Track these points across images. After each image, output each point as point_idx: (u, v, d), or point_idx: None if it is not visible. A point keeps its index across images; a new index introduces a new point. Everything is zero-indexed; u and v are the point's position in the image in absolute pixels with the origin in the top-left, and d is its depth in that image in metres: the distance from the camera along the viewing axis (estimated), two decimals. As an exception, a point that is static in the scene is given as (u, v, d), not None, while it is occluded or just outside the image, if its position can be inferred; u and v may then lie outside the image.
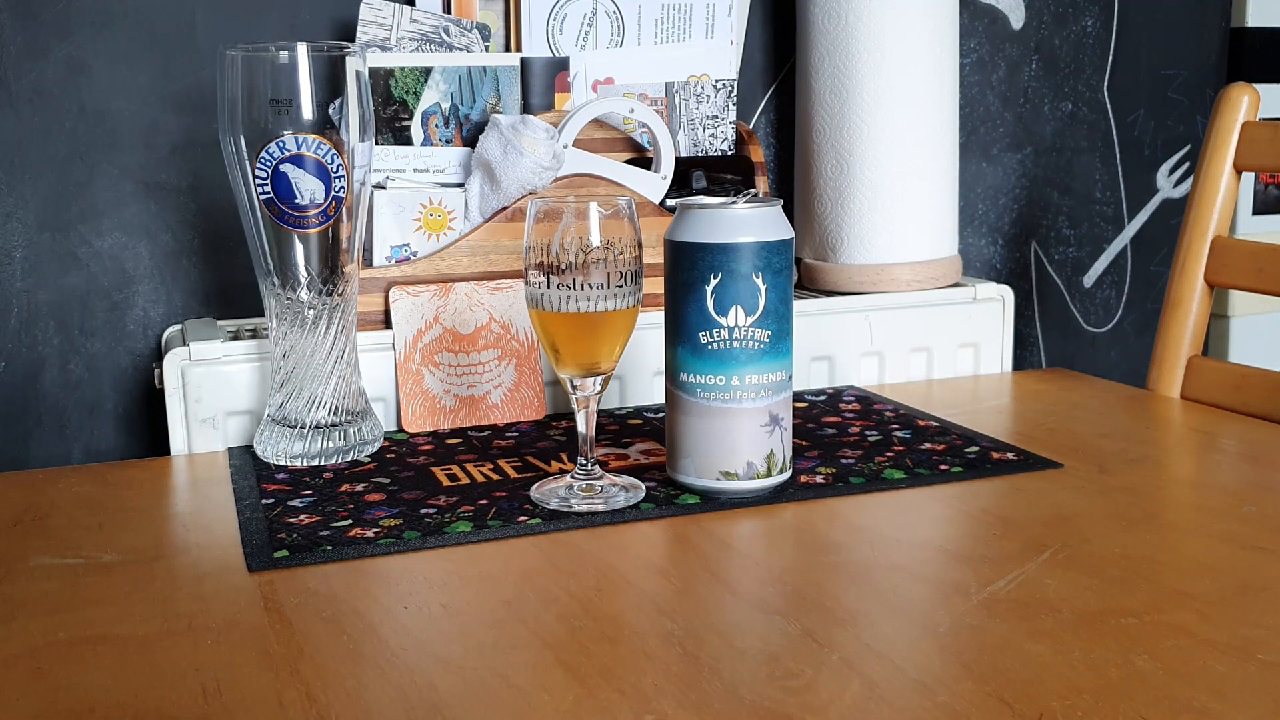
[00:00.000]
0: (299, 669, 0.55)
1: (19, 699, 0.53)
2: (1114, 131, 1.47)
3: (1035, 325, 1.46)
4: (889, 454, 0.86)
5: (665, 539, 0.72)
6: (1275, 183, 1.52)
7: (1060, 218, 1.45)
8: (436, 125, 1.01)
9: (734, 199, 0.76)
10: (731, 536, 0.72)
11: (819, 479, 0.81)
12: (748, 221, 0.75)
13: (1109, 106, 1.46)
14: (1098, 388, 1.08)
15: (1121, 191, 1.48)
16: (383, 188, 0.99)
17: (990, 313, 1.13)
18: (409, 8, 1.03)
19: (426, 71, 1.01)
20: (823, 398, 1.03)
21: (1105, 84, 1.45)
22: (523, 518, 0.74)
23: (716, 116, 1.10)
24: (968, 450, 0.87)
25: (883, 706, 0.51)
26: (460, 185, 1.01)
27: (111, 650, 0.57)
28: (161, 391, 0.91)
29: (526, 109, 1.04)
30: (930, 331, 1.11)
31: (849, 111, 1.12)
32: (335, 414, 0.87)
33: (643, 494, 0.78)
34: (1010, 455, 0.86)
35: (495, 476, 0.82)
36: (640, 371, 1.02)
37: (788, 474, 0.79)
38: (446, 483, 0.81)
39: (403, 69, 1.00)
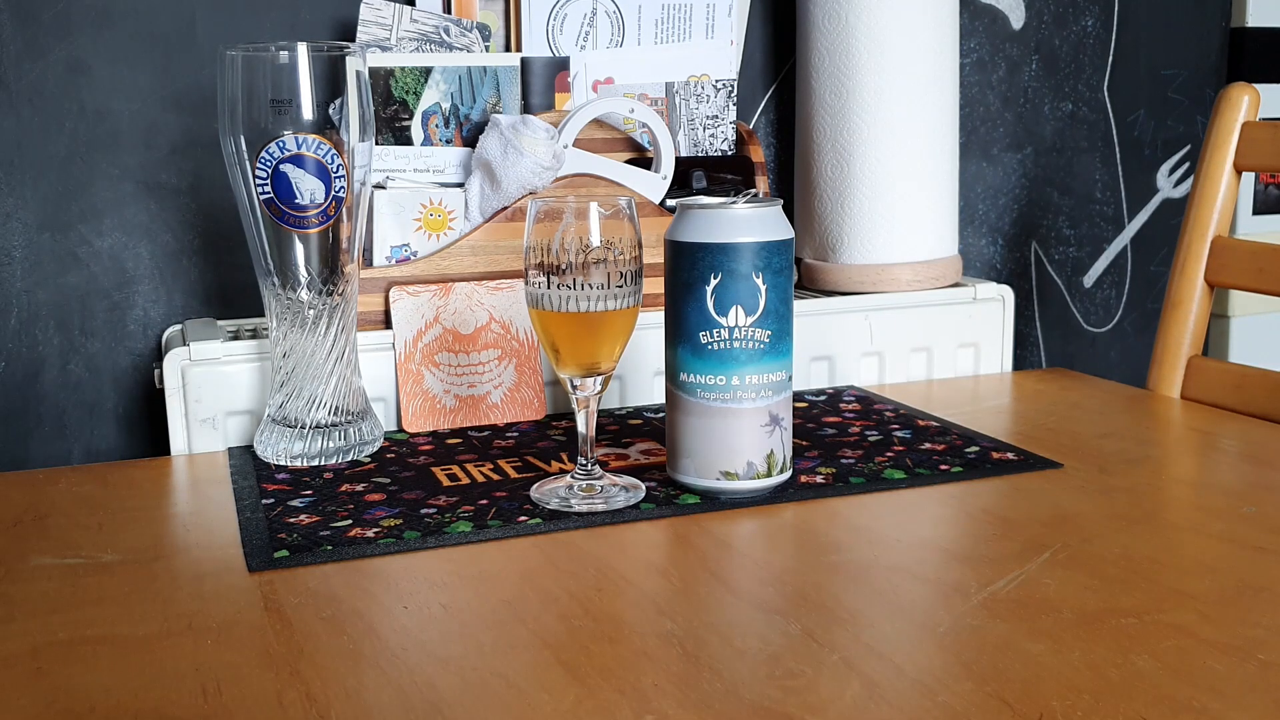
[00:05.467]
0: (299, 669, 0.55)
1: (19, 699, 0.53)
2: (1114, 131, 1.47)
3: (1035, 325, 1.46)
4: (889, 454, 0.86)
5: (665, 539, 0.72)
6: (1275, 183, 1.52)
7: (1060, 218, 1.45)
8: (436, 125, 1.01)
9: (734, 199, 0.76)
10: (731, 536, 0.72)
11: (819, 479, 0.81)
12: (748, 221, 0.75)
13: (1109, 106, 1.46)
14: (1098, 388, 1.08)
15: (1121, 191, 1.48)
16: (383, 188, 0.99)
17: (990, 313, 1.13)
18: (409, 8, 1.03)
19: (426, 71, 1.01)
20: (823, 398, 1.03)
21: (1105, 84, 1.45)
22: (523, 518, 0.74)
23: (716, 116, 1.10)
24: (968, 450, 0.87)
25: (883, 706, 0.51)
26: (460, 185, 1.01)
27: (111, 650, 0.57)
28: (161, 391, 0.91)
29: (526, 109, 1.04)
30: (930, 331, 1.11)
31: (849, 111, 1.12)
32: (335, 414, 0.87)
33: (643, 494, 0.78)
34: (1010, 455, 0.86)
35: (495, 476, 0.82)
36: (640, 371, 1.02)
37: (788, 474, 0.79)
38: (446, 483, 0.81)
39: (403, 69, 1.00)
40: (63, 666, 0.56)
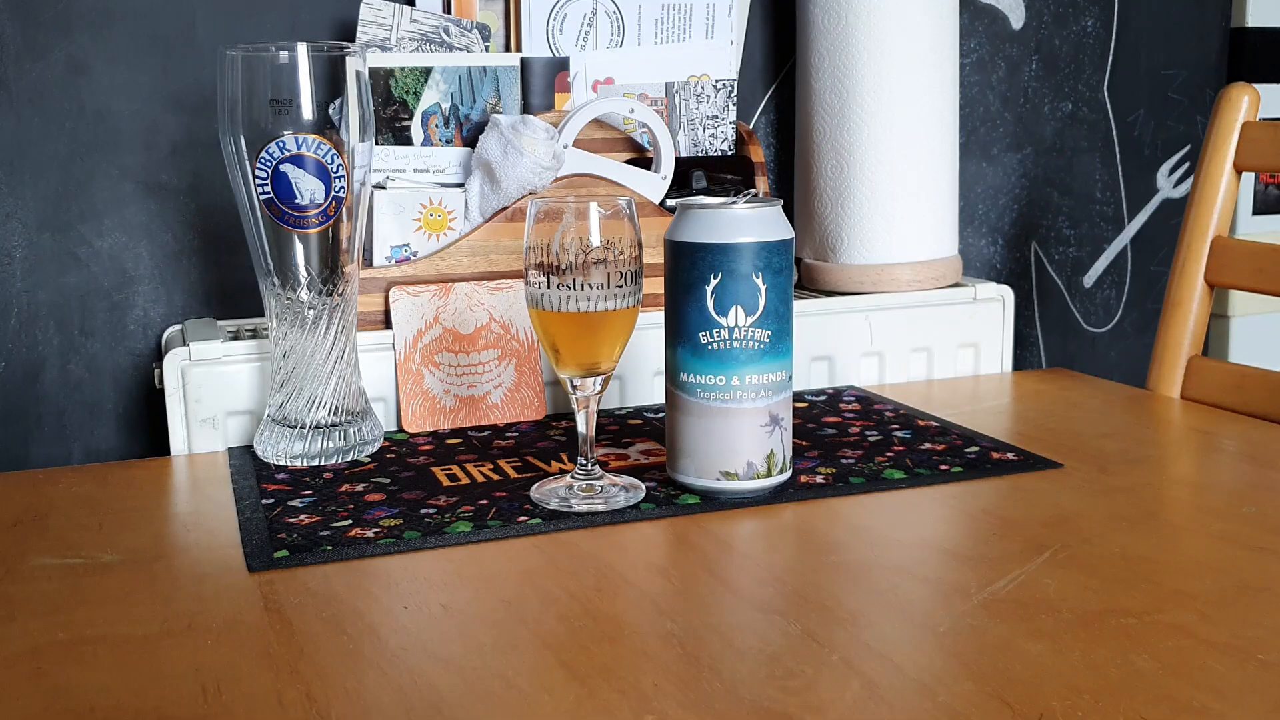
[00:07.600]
0: (299, 669, 0.55)
1: (19, 699, 0.53)
2: (1114, 131, 1.47)
3: (1035, 325, 1.46)
4: (889, 454, 0.86)
5: (665, 539, 0.72)
6: (1275, 183, 1.52)
7: (1060, 218, 1.45)
8: (436, 125, 1.01)
9: (734, 199, 0.76)
10: (731, 536, 0.72)
11: (819, 479, 0.81)
12: (748, 221, 0.75)
13: (1109, 106, 1.46)
14: (1098, 388, 1.08)
15: (1121, 191, 1.48)
16: (383, 188, 0.99)
17: (990, 313, 1.13)
18: (409, 8, 1.03)
19: (426, 71, 1.01)
20: (823, 398, 1.03)
21: (1105, 84, 1.45)
22: (523, 518, 0.74)
23: (716, 116, 1.10)
24: (968, 450, 0.87)
25: (883, 706, 0.51)
26: (460, 185, 1.01)
27: (111, 650, 0.57)
28: (161, 391, 0.91)
29: (526, 109, 1.04)
30: (930, 331, 1.11)
31: (849, 111, 1.12)
32: (335, 414, 0.87)
33: (643, 494, 0.78)
34: (1010, 455, 0.86)
35: (495, 476, 0.82)
36: (640, 371, 1.02)
37: (788, 474, 0.79)
38: (446, 483, 0.81)
39: (403, 69, 1.00)
40: (63, 666, 0.56)
